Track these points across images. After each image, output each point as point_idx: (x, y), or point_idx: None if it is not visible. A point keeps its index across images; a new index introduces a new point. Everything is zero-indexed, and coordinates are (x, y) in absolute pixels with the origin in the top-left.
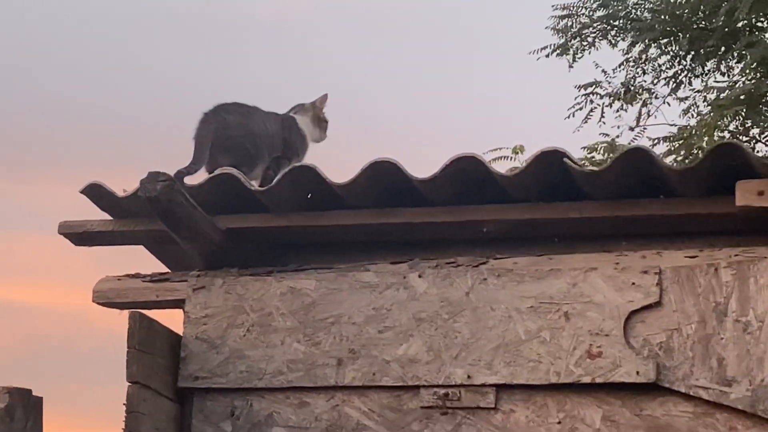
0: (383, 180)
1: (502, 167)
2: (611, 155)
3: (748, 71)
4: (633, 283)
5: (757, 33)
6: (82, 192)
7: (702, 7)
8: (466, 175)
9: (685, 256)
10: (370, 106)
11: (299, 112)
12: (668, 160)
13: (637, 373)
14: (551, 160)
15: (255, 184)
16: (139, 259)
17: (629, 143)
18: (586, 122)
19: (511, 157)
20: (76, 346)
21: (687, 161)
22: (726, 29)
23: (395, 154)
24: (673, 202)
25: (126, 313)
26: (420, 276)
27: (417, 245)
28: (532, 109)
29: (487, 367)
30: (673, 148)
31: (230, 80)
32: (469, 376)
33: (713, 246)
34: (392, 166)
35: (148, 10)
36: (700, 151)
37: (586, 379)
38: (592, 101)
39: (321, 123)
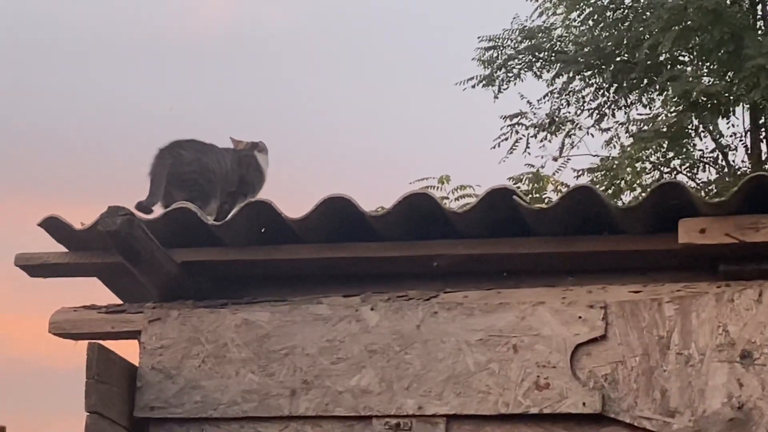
0: (336, 215)
1: None
2: (536, 185)
3: (669, 104)
4: (579, 317)
5: (679, 67)
6: (39, 225)
7: (625, 41)
8: (417, 211)
9: (630, 291)
10: (283, 135)
11: (260, 150)
12: None
13: (584, 404)
14: (500, 197)
15: (210, 219)
16: (78, 290)
17: (553, 174)
18: (511, 152)
19: (438, 187)
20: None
21: (610, 190)
22: (649, 62)
23: (327, 184)
24: (617, 239)
25: (81, 343)
26: (372, 309)
27: (369, 279)
28: (458, 140)
29: (437, 398)
30: (596, 179)
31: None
32: (420, 407)
33: (657, 281)
34: (346, 201)
35: (75, 37)
36: (623, 182)
37: (534, 410)
38: (517, 132)
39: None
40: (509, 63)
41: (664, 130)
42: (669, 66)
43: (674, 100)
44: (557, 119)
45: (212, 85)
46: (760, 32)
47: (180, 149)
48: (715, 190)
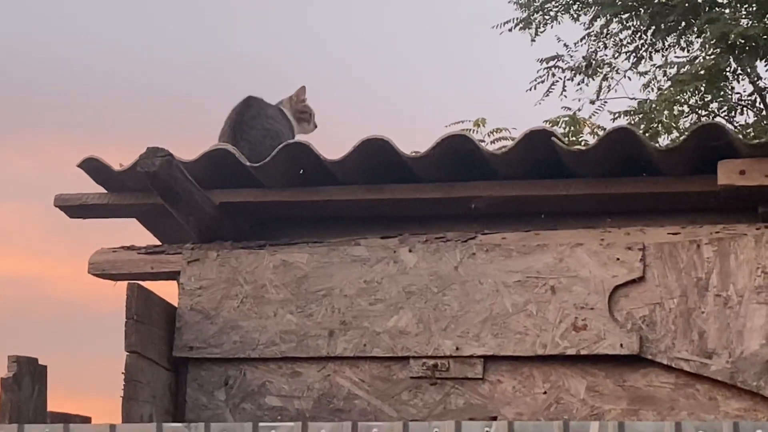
0: (375, 157)
1: None
2: (573, 128)
3: (707, 47)
4: (617, 259)
5: (717, 9)
6: (79, 166)
7: None
8: (456, 153)
9: (668, 233)
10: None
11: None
12: None
13: (621, 345)
14: (539, 139)
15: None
16: (117, 233)
17: (590, 117)
18: (547, 95)
19: (473, 130)
20: (33, 313)
21: (647, 134)
22: (686, 4)
23: (362, 130)
24: (656, 181)
25: (120, 284)
26: (410, 250)
27: (407, 220)
28: (493, 82)
29: (475, 339)
30: (633, 122)
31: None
32: (457, 348)
33: (695, 223)
34: (384, 143)
35: None
36: (660, 125)
37: (571, 351)
38: (554, 75)
39: (303, 115)
40: (546, 5)
41: (702, 72)
42: (707, 8)
43: (712, 42)
44: (594, 62)
45: (253, 28)
46: None
47: (249, 129)
48: (753, 133)
